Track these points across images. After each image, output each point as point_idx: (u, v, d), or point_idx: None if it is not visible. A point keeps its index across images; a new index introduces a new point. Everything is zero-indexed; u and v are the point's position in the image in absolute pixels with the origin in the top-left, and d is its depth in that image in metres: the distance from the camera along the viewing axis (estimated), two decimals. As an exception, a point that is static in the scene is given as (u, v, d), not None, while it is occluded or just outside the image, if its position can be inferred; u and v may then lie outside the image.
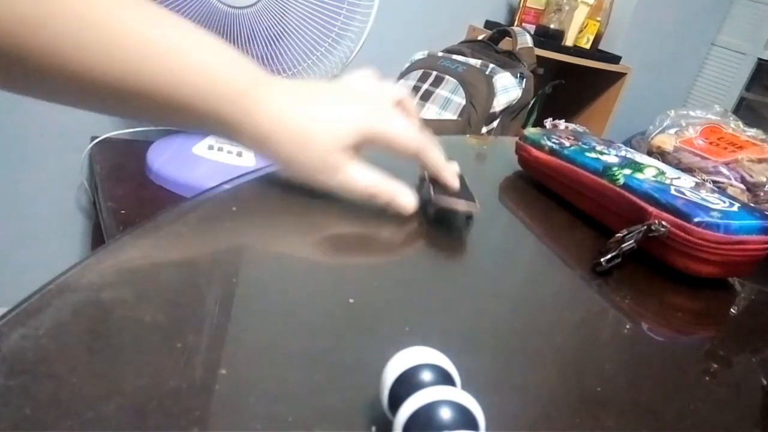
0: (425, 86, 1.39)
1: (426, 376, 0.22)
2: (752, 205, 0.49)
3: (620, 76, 1.96)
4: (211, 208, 0.39)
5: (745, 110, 2.35)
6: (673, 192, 0.45)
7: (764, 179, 0.62)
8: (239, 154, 1.22)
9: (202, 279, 0.31)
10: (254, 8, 1.06)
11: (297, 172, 0.41)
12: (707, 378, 0.34)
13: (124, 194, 1.18)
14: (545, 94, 1.92)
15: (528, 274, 0.42)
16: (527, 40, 1.51)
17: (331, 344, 0.28)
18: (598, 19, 1.91)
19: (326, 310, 0.31)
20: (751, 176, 0.62)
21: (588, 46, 1.93)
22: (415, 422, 0.20)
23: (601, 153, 0.52)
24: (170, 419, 0.22)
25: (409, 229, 0.42)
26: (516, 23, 1.88)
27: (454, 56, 1.44)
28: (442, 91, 1.37)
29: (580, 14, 1.87)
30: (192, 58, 0.37)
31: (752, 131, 0.70)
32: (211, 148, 1.22)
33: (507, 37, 1.57)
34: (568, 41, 1.89)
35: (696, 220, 0.42)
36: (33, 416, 0.20)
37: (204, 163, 1.18)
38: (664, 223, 0.43)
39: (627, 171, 0.48)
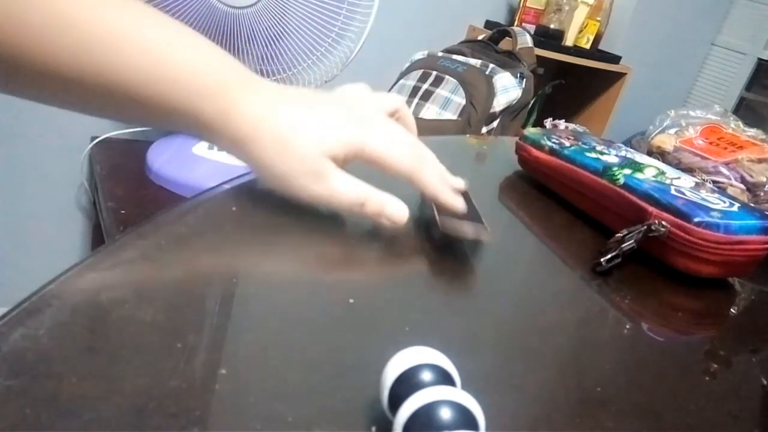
0: (425, 86, 1.39)
1: (426, 376, 0.22)
2: (752, 205, 0.49)
3: (620, 76, 1.96)
4: (211, 208, 0.39)
5: (745, 110, 2.35)
6: (673, 192, 0.45)
7: (764, 179, 0.62)
8: (239, 154, 1.22)
9: (202, 279, 0.31)
10: (254, 8, 1.06)
11: (276, 179, 0.38)
12: (707, 378, 0.34)
13: (124, 194, 1.18)
14: (545, 94, 1.92)
15: (528, 274, 0.42)
16: (527, 40, 1.51)
17: (331, 344, 0.28)
18: (598, 19, 1.91)
19: (326, 310, 0.31)
20: (751, 176, 0.62)
21: (588, 46, 1.93)
22: (415, 422, 0.20)
23: (601, 153, 0.52)
24: (170, 419, 0.22)
25: (410, 230, 0.42)
26: (516, 23, 1.88)
27: (454, 56, 1.44)
28: (442, 91, 1.37)
29: (580, 14, 1.87)
30: (171, 55, 0.36)
31: (752, 131, 0.70)
32: (211, 147, 1.22)
33: (507, 37, 1.57)
34: (568, 41, 1.89)
35: (696, 220, 0.42)
36: (33, 416, 0.20)
37: (204, 163, 1.18)
38: (664, 223, 0.43)
39: (627, 171, 0.48)
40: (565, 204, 0.53)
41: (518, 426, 0.26)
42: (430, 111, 1.36)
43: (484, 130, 1.37)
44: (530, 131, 0.58)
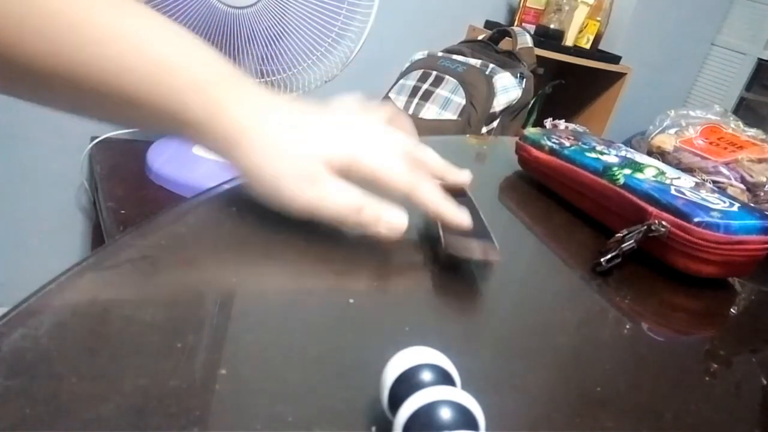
0: (425, 86, 1.39)
1: (426, 376, 0.22)
2: (752, 205, 0.49)
3: (620, 76, 1.95)
4: (211, 208, 0.39)
5: (745, 110, 2.35)
6: (673, 192, 0.45)
7: (764, 179, 0.62)
8: (239, 154, 1.22)
9: (202, 279, 0.31)
10: (254, 8, 1.06)
11: (266, 182, 0.36)
12: (707, 378, 0.34)
13: (124, 194, 1.18)
14: (545, 94, 1.92)
15: (528, 274, 0.42)
16: (527, 40, 1.51)
17: (331, 344, 0.28)
18: (598, 19, 1.91)
19: (326, 310, 0.31)
20: (751, 176, 0.62)
21: (588, 46, 1.93)
22: (415, 422, 0.20)
23: (601, 153, 0.52)
24: (170, 419, 0.22)
25: (410, 230, 0.42)
26: (516, 23, 1.88)
27: (454, 56, 1.44)
28: (442, 91, 1.37)
29: (580, 14, 1.87)
30: (158, 50, 0.35)
31: (752, 131, 0.70)
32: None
33: (507, 37, 1.57)
34: (568, 41, 1.89)
35: (696, 220, 0.42)
36: (33, 416, 0.20)
37: (204, 163, 1.18)
38: (664, 223, 0.43)
39: (627, 171, 0.48)
40: (565, 204, 0.53)
41: (518, 426, 0.26)
42: (430, 111, 1.36)
43: (484, 130, 1.37)
44: (530, 131, 0.58)
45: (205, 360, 0.25)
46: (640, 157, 0.53)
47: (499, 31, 1.60)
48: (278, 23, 1.09)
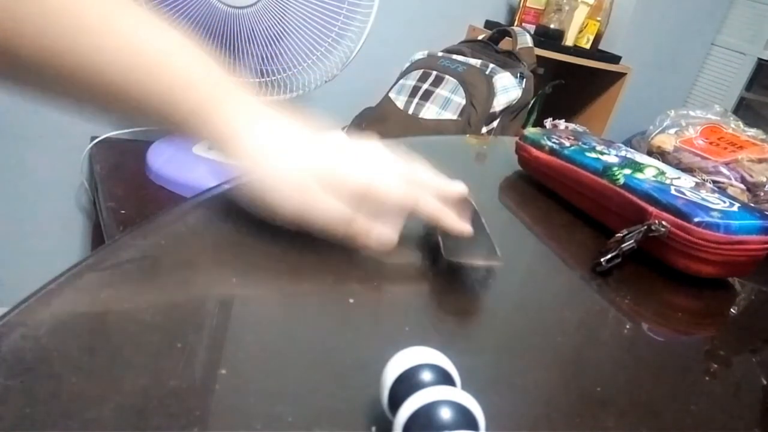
0: (425, 86, 1.39)
1: (426, 376, 0.22)
2: (752, 205, 0.49)
3: (620, 76, 1.95)
4: (211, 208, 0.39)
5: (745, 110, 2.35)
6: (673, 192, 0.45)
7: (764, 179, 0.62)
8: (239, 154, 1.22)
9: (202, 279, 0.31)
10: (254, 8, 1.06)
11: (254, 185, 0.35)
12: (707, 378, 0.34)
13: (124, 194, 1.18)
14: (545, 94, 1.92)
15: (528, 274, 0.42)
16: (527, 40, 1.51)
17: (331, 344, 0.28)
18: (598, 19, 1.91)
19: (326, 310, 0.31)
20: (751, 176, 0.62)
21: (588, 46, 1.92)
22: (415, 422, 0.20)
23: (601, 153, 0.52)
24: (170, 419, 0.22)
25: (410, 230, 0.42)
26: (516, 23, 1.88)
27: (454, 56, 1.44)
28: (442, 91, 1.37)
29: (580, 14, 1.87)
30: (156, 49, 0.35)
31: (752, 131, 0.70)
32: (211, 148, 1.22)
33: (507, 37, 1.57)
34: (568, 41, 1.89)
35: (696, 220, 0.42)
36: (33, 416, 0.20)
37: (204, 163, 1.18)
38: (664, 223, 0.43)
39: (627, 171, 0.48)
40: (565, 204, 0.53)
41: (518, 426, 0.26)
42: (430, 111, 1.36)
43: (484, 130, 1.37)
44: (530, 131, 0.58)
45: (205, 360, 0.25)
46: (640, 157, 0.53)
47: (499, 31, 1.60)
48: (278, 23, 1.09)
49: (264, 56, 1.12)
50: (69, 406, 0.21)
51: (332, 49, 1.15)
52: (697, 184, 0.48)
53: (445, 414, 0.20)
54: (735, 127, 0.71)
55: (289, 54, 1.14)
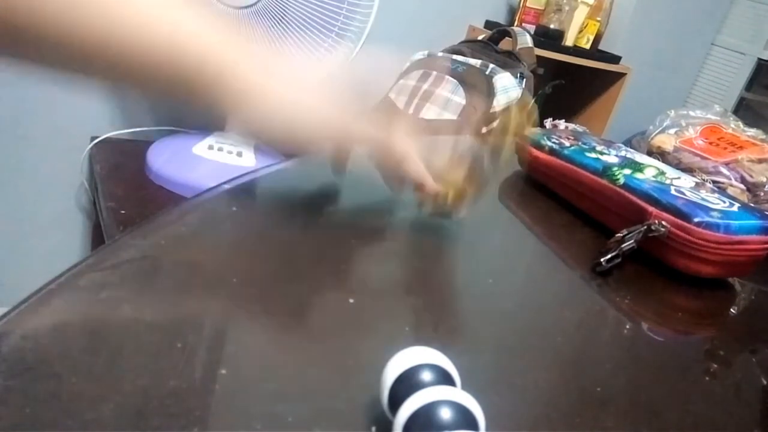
0: (425, 86, 1.39)
1: (426, 376, 0.22)
2: (752, 205, 0.49)
3: (620, 76, 1.95)
4: (211, 208, 0.39)
5: (745, 110, 2.35)
6: (673, 192, 0.45)
7: (764, 179, 0.62)
8: (239, 154, 1.22)
9: (202, 279, 0.31)
10: (254, 8, 1.06)
11: (282, 105, 0.38)
12: (707, 378, 0.33)
13: (124, 194, 1.18)
14: (545, 94, 1.92)
15: (528, 274, 0.42)
16: (527, 40, 1.51)
17: (331, 344, 0.28)
18: (598, 19, 1.91)
19: (326, 310, 0.31)
20: (751, 176, 0.62)
21: (588, 46, 1.92)
22: (415, 422, 0.20)
23: (601, 153, 0.52)
24: (170, 419, 0.22)
25: (410, 230, 0.42)
26: (516, 23, 1.88)
27: (454, 56, 1.44)
28: (442, 92, 1.37)
29: (580, 14, 1.87)
30: (174, 17, 0.35)
31: (752, 131, 0.70)
32: (211, 148, 1.22)
33: (507, 37, 1.57)
34: (568, 41, 1.89)
35: (696, 220, 0.42)
36: (33, 416, 0.20)
37: (204, 163, 1.18)
38: (664, 223, 0.43)
39: (627, 171, 0.48)
40: (565, 204, 0.53)
41: (518, 426, 0.26)
42: (431, 111, 1.36)
43: (484, 130, 1.37)
44: (530, 131, 0.58)
45: (205, 360, 0.25)
46: (640, 157, 0.53)
47: (499, 31, 1.60)
48: (278, 23, 1.09)
49: (264, 56, 1.12)
50: (69, 406, 0.21)
51: (332, 49, 1.15)
52: (697, 184, 0.48)
53: (445, 414, 0.20)
54: (735, 127, 0.71)
55: (289, 54, 1.14)
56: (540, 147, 0.55)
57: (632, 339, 0.36)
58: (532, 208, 0.53)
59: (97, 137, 1.37)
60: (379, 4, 1.12)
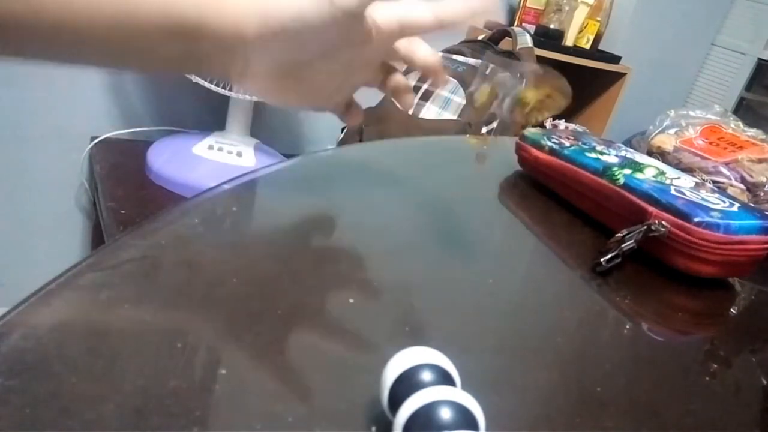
0: (425, 86, 1.39)
1: (426, 376, 0.22)
2: (752, 205, 0.49)
3: (620, 76, 1.95)
4: (211, 208, 0.39)
5: (745, 110, 2.35)
6: (673, 192, 0.45)
7: (764, 179, 0.62)
8: (239, 154, 1.22)
9: (202, 279, 0.31)
10: None
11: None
12: (707, 378, 0.34)
13: (124, 194, 1.18)
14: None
15: (528, 274, 0.42)
16: (527, 40, 1.51)
17: (331, 344, 0.28)
18: (598, 19, 1.91)
19: (326, 310, 0.31)
20: (751, 176, 0.62)
21: (588, 46, 1.92)
22: (415, 422, 0.20)
23: (601, 153, 0.52)
24: (170, 419, 0.22)
25: (411, 229, 0.42)
26: (516, 23, 1.88)
27: (454, 56, 1.44)
28: (442, 91, 1.37)
29: (580, 14, 1.87)
30: None
31: (752, 131, 0.70)
32: (211, 148, 1.22)
33: (507, 37, 1.57)
34: (568, 41, 1.89)
35: (696, 220, 0.42)
36: (33, 416, 0.20)
37: (204, 163, 1.18)
38: (664, 223, 0.43)
39: (627, 171, 0.48)
40: (565, 204, 0.53)
41: (518, 426, 0.26)
42: (430, 111, 1.36)
43: (484, 130, 1.37)
44: (530, 131, 0.58)
45: (205, 360, 0.25)
46: (640, 157, 0.53)
47: (499, 31, 1.60)
48: None
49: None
50: (69, 406, 0.21)
51: None
52: (697, 184, 0.48)
53: (445, 414, 0.20)
54: (735, 127, 0.71)
55: None
56: (540, 147, 0.55)
57: (632, 339, 0.36)
58: (532, 208, 0.53)
59: (97, 137, 1.37)
60: (379, 4, 1.11)
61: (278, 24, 0.35)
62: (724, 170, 0.63)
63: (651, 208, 0.44)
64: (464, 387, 0.22)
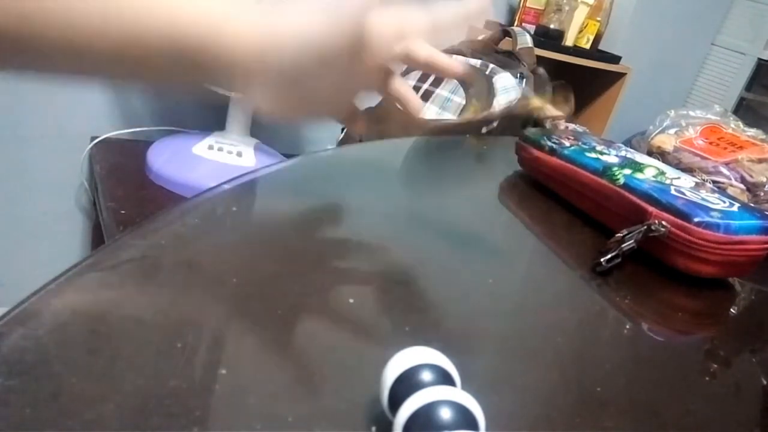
0: (425, 86, 1.39)
1: (426, 376, 0.22)
2: (752, 205, 0.49)
3: (620, 76, 1.95)
4: (211, 208, 0.39)
5: (745, 110, 2.35)
6: (673, 192, 0.45)
7: (764, 179, 0.62)
8: (239, 154, 1.22)
9: (202, 279, 0.31)
10: (254, 8, 1.06)
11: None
12: (707, 378, 0.33)
13: (124, 194, 1.18)
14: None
15: (528, 274, 0.42)
16: (527, 40, 1.51)
17: (331, 344, 0.28)
18: (598, 19, 1.91)
19: (326, 310, 0.31)
20: (751, 176, 0.62)
21: (588, 46, 1.92)
22: (415, 422, 0.20)
23: (601, 153, 0.52)
24: (170, 419, 0.22)
25: (411, 229, 0.42)
26: (516, 23, 1.88)
27: (454, 56, 1.44)
28: (442, 91, 1.37)
29: (580, 14, 1.87)
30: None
31: (752, 131, 0.70)
32: (211, 148, 1.22)
33: (507, 37, 1.57)
34: (568, 41, 1.89)
35: (696, 220, 0.42)
36: (33, 416, 0.20)
37: (204, 163, 1.18)
38: (664, 223, 0.43)
39: (627, 171, 0.48)
40: (565, 204, 0.53)
41: (518, 426, 0.26)
42: (430, 111, 1.36)
43: (484, 130, 1.37)
44: (530, 131, 0.58)
45: (205, 360, 0.25)
46: (640, 157, 0.53)
47: (499, 31, 1.60)
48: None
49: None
50: (69, 406, 0.21)
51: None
52: (697, 184, 0.48)
53: (445, 414, 0.20)
54: (735, 127, 0.71)
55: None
56: (540, 147, 0.55)
57: (632, 339, 0.36)
58: (532, 208, 0.53)
59: (97, 137, 1.37)
60: (379, 4, 1.11)
61: (281, 47, 0.36)
62: (724, 170, 0.63)
63: (651, 208, 0.44)
64: (464, 387, 0.22)
